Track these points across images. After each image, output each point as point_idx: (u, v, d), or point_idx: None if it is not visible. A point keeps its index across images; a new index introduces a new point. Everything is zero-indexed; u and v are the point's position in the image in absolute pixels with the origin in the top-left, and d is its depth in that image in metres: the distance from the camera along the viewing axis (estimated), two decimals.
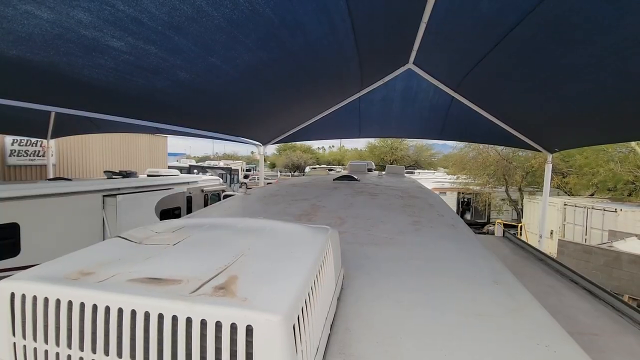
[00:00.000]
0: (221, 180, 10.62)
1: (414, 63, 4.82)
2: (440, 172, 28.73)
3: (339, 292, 1.06)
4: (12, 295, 0.61)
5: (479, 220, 18.34)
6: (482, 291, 1.23)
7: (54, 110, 3.97)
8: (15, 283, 0.62)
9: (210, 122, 5.46)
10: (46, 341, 0.59)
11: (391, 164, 28.72)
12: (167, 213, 7.30)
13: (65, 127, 8.54)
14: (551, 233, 12.07)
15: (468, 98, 5.29)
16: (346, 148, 54.67)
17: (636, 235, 8.54)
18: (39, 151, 9.91)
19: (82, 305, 0.58)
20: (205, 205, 8.56)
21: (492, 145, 15.04)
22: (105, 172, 7.72)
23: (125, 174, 7.81)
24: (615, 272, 6.91)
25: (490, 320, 1.03)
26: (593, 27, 2.50)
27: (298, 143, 44.85)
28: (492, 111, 5.45)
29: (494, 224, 15.10)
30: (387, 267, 1.40)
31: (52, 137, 8.76)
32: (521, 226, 13.42)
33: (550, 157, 6.34)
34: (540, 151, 6.37)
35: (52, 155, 9.53)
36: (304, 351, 0.60)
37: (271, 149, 51.04)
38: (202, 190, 9.13)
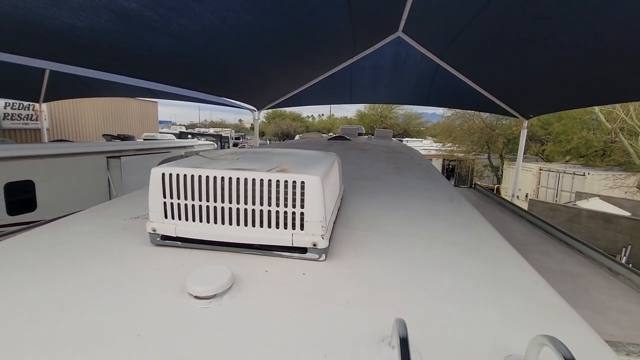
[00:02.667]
0: (216, 145, 10.94)
1: (402, 31, 5.14)
2: (429, 140, 29.28)
3: (341, 196, 1.57)
4: (162, 175, 1.08)
5: (462, 186, 19.30)
6: (439, 204, 1.77)
7: (47, 66, 4.11)
8: (163, 168, 1.08)
9: (205, 84, 5.72)
10: (185, 198, 1.07)
11: None
12: None
13: (57, 90, 8.55)
14: (526, 196, 13.04)
15: (452, 66, 5.69)
16: (336, 117, 54.41)
17: (599, 196, 9.45)
18: (31, 115, 9.93)
19: (207, 177, 1.05)
20: None
21: (477, 113, 15.57)
22: (104, 135, 7.96)
23: (123, 137, 8.07)
24: (575, 226, 7.80)
25: (440, 216, 1.56)
26: (559, 2, 2.91)
27: (287, 111, 44.32)
28: (474, 78, 5.89)
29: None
30: (374, 190, 1.92)
31: (44, 101, 8.81)
32: (497, 188, 14.35)
33: (526, 122, 6.90)
34: (517, 117, 6.91)
35: (45, 119, 9.60)
36: (327, 203, 1.10)
37: (260, 117, 50.23)
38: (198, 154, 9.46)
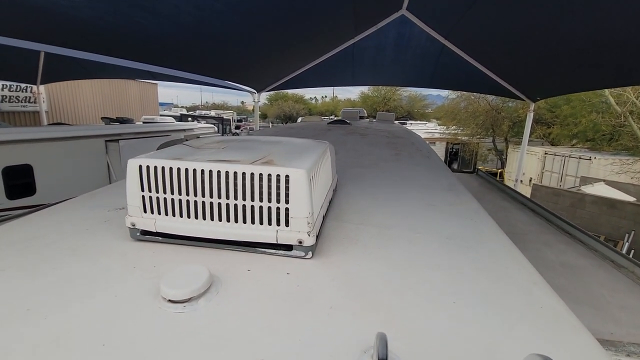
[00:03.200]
0: (216, 128, 10.82)
1: (407, 9, 4.91)
2: (433, 123, 28.88)
3: (334, 187, 1.50)
4: (140, 167, 1.02)
5: (465, 169, 19.15)
6: (437, 194, 1.69)
7: (47, 49, 4.02)
8: (140, 160, 1.02)
9: (205, 66, 5.58)
10: (164, 191, 1.01)
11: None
12: None
13: (55, 72, 8.41)
14: (530, 180, 12.89)
15: (458, 46, 5.47)
16: (339, 99, 53.63)
17: (604, 181, 9.32)
18: (29, 97, 9.81)
19: (186, 170, 0.99)
20: None
21: (483, 95, 15.21)
22: (102, 118, 7.86)
23: (122, 121, 7.98)
24: (578, 212, 7.72)
25: (437, 207, 1.50)
26: None
27: (290, 93, 43.66)
28: (480, 59, 5.67)
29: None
30: (370, 179, 1.85)
31: (42, 83, 8.68)
32: (501, 172, 14.21)
33: (532, 105, 6.71)
34: (524, 99, 6.72)
35: (43, 101, 9.49)
36: (314, 198, 1.04)
37: (262, 99, 49.60)
38: (198, 137, 9.38)
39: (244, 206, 0.98)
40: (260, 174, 0.95)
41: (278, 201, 0.96)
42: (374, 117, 7.09)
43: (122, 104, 13.14)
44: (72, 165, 5.74)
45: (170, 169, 1.00)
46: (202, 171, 0.98)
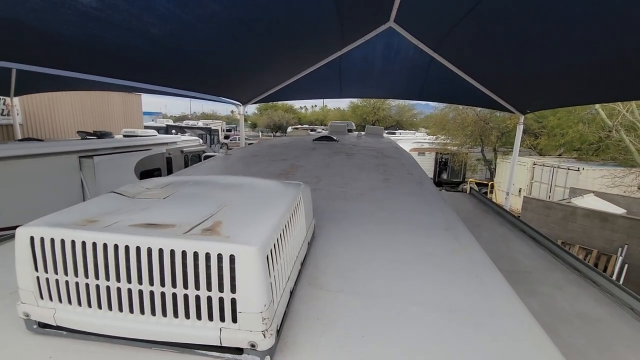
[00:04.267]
0: (201, 140, 10.48)
1: (394, 21, 4.75)
2: (422, 132, 29.08)
3: (310, 238, 1.24)
4: (32, 238, 0.73)
5: (454, 180, 19.15)
6: (434, 236, 1.44)
7: (19, 67, 3.72)
8: (33, 229, 0.74)
9: (186, 81, 5.30)
10: (65, 273, 0.73)
11: (373, 124, 28.77)
12: (147, 174, 7.27)
13: (30, 84, 8.00)
14: (519, 191, 12.87)
15: (447, 59, 5.33)
16: (329, 108, 53.85)
17: (593, 192, 9.29)
18: (2, 110, 9.32)
19: (94, 244, 0.71)
20: (186, 166, 8.52)
21: (471, 107, 15.29)
22: (78, 132, 7.46)
23: (100, 134, 7.59)
24: (570, 225, 7.62)
25: (435, 258, 1.24)
26: None
27: (280, 103, 43.65)
28: (470, 73, 5.55)
29: (468, 183, 15.85)
30: (355, 218, 1.59)
31: (15, 95, 8.24)
32: (492, 184, 14.18)
33: (522, 118, 6.62)
34: (514, 112, 6.63)
35: (17, 114, 9.02)
36: (276, 277, 0.77)
37: (252, 109, 49.49)
38: (182, 151, 9.03)
39: (174, 295, 0.70)
40: (195, 253, 0.68)
41: (221, 289, 0.69)
42: (365, 128, 6.90)
43: (104, 116, 12.65)
44: (40, 185, 5.34)
45: (73, 242, 0.72)
46: (116, 246, 0.71)
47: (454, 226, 1.58)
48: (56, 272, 0.74)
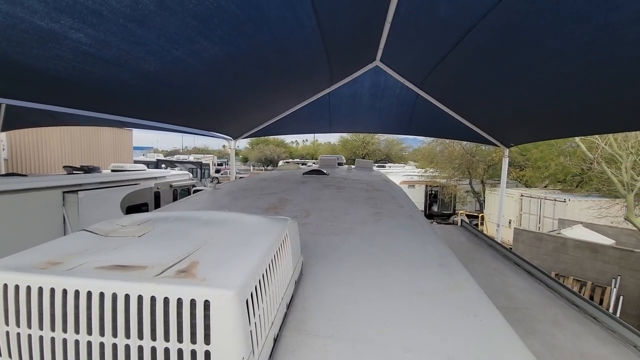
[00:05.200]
0: (191, 175, 10.39)
1: (380, 60, 4.98)
2: (411, 165, 29.63)
3: (297, 276, 1.17)
4: None
5: (445, 212, 19.23)
6: (427, 273, 1.38)
7: (7, 102, 3.71)
8: None
9: (177, 116, 5.35)
10: (17, 324, 0.65)
11: (363, 157, 29.27)
12: (134, 209, 7.09)
13: (18, 119, 7.98)
14: (509, 222, 12.94)
15: (432, 95, 5.55)
16: (319, 142, 54.92)
17: (581, 223, 9.39)
18: None
19: (52, 290, 0.64)
20: (175, 200, 8.37)
21: (457, 140, 15.76)
22: (64, 167, 7.33)
23: (87, 169, 7.46)
24: (562, 256, 7.59)
25: (429, 296, 1.17)
26: (539, 33, 2.75)
27: (271, 137, 44.40)
28: (454, 108, 5.76)
29: (459, 215, 15.92)
30: (345, 254, 1.53)
31: (2, 130, 8.17)
32: (482, 216, 14.25)
33: (507, 151, 6.81)
34: (499, 146, 6.82)
35: (3, 149, 8.89)
36: (257, 324, 0.70)
37: (243, 143, 50.14)
38: (171, 186, 8.90)
39: (139, 348, 0.62)
40: (166, 298, 0.62)
41: (193, 341, 0.61)
42: (353, 162, 6.97)
43: (93, 151, 12.55)
44: (19, 221, 5.12)
45: (28, 288, 0.64)
46: (77, 292, 0.63)
47: (447, 262, 1.53)
48: (7, 323, 0.65)
